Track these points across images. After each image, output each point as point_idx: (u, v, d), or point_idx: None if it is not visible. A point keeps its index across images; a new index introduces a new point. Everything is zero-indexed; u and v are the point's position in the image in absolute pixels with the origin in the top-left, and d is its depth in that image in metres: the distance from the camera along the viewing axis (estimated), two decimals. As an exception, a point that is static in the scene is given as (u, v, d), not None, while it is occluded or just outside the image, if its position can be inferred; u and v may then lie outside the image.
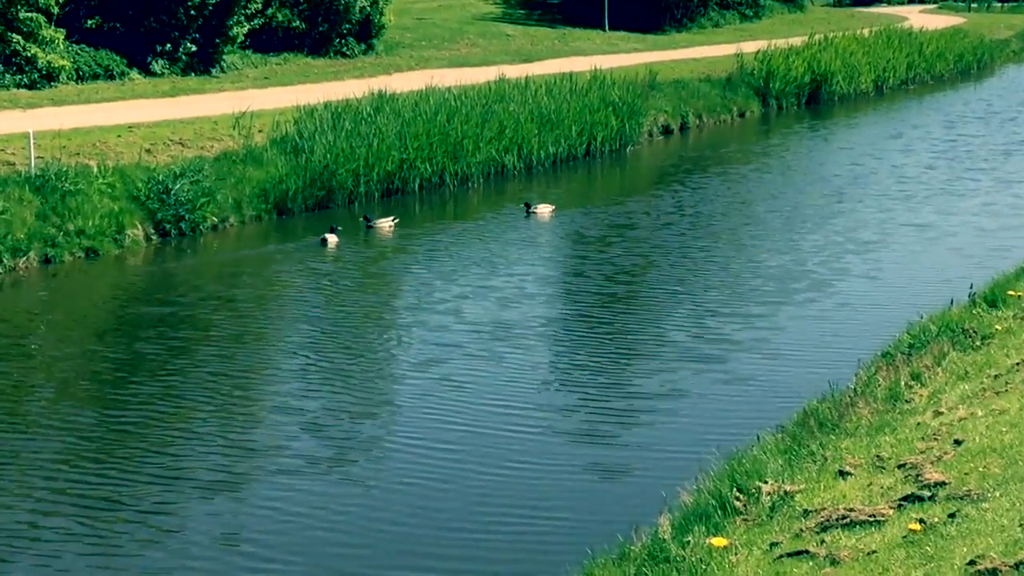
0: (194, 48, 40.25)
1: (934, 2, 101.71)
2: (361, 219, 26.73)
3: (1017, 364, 12.98)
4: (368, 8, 47.06)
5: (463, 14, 60.98)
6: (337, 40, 46.64)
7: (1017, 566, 7.50)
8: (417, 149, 30.65)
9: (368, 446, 14.60)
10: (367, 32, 47.79)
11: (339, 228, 26.01)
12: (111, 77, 37.63)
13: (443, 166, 31.19)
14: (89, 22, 38.49)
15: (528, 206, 27.23)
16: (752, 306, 20.06)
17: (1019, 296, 16.47)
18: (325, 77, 41.24)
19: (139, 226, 25.01)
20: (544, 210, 26.89)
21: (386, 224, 26.53)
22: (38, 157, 25.38)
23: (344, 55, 46.44)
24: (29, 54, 35.00)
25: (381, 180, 29.74)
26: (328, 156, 28.97)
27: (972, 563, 7.77)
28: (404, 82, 38.26)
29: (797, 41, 52.61)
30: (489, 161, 32.43)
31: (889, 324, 17.29)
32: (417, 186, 30.41)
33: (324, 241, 25.31)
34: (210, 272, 23.40)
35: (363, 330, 19.50)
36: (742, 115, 44.71)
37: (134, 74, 38.48)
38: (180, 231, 25.43)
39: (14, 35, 34.70)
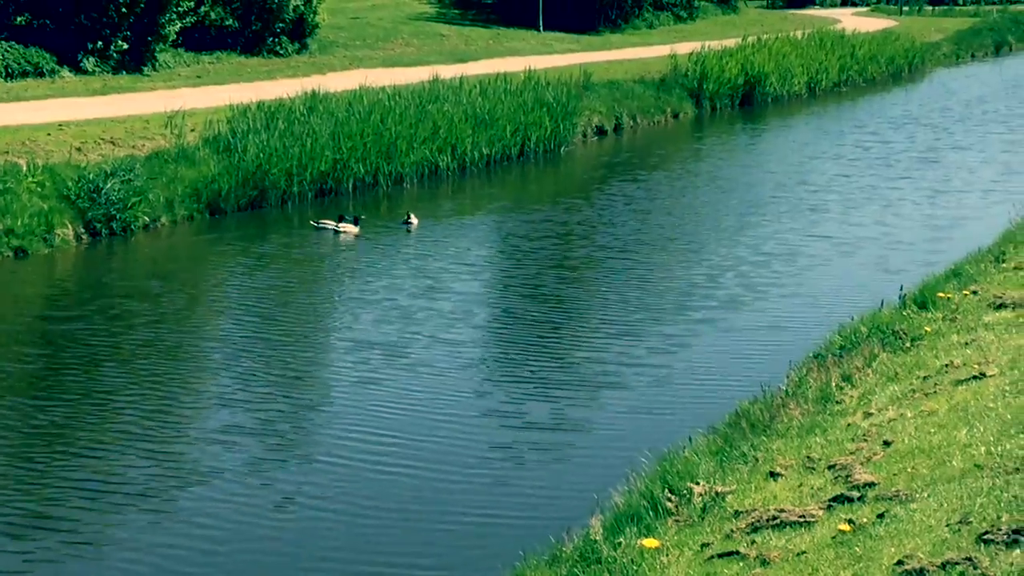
0: (126, 46, 39.87)
1: (866, 5, 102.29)
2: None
3: (946, 366, 13.09)
4: (301, 7, 46.79)
5: (397, 13, 60.83)
6: (270, 39, 46.33)
7: (944, 566, 7.58)
8: (351, 149, 30.53)
9: (293, 449, 14.52)
10: (300, 31, 47.56)
11: (360, 216, 26.51)
12: (41, 75, 37.30)
13: (377, 166, 31.07)
14: (19, 19, 38.13)
15: (341, 219, 26.46)
16: (683, 309, 20.13)
17: (949, 298, 16.61)
18: (258, 76, 41.03)
19: (69, 225, 24.81)
20: (349, 228, 26.20)
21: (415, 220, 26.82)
22: (-34, 156, 25.18)
23: (277, 54, 46.20)
24: (-43, 51, 34.74)
25: (315, 180, 29.57)
26: (261, 156, 28.78)
27: (900, 563, 7.85)
28: (338, 82, 38.10)
29: (731, 43, 52.77)
30: (423, 161, 32.32)
31: (820, 325, 17.41)
32: (351, 186, 30.29)
33: (337, 231, 25.85)
34: (140, 271, 23.25)
35: (293, 330, 19.43)
36: (676, 116, 44.81)
37: (64, 72, 38.14)
38: (111, 231, 25.22)
39: (-63, 33, 34.47)
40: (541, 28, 61.71)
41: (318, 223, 26.29)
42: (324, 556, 11.69)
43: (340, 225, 25.87)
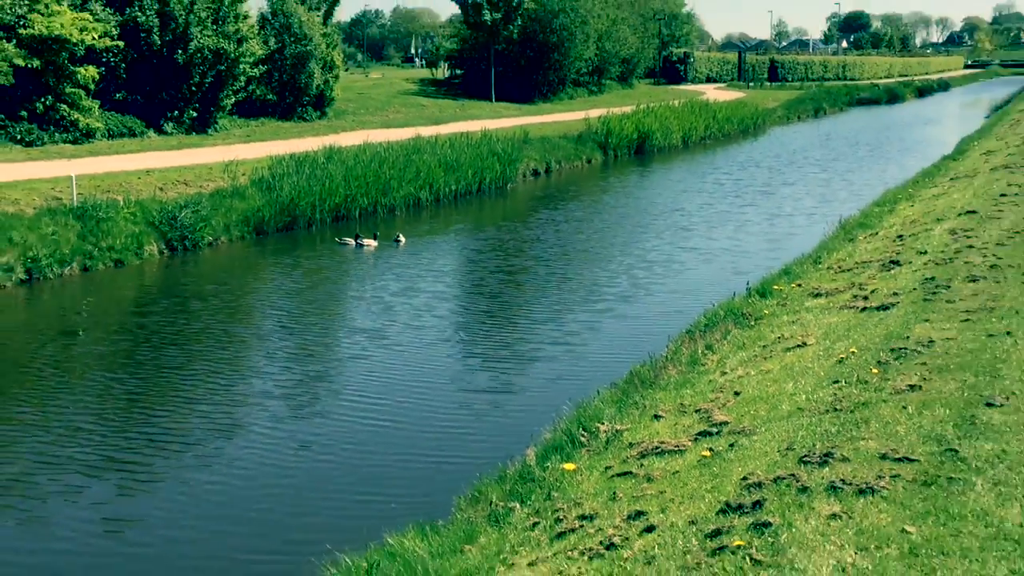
0: (195, 114, 39.83)
1: (724, 82, 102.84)
2: (348, 237, 26.64)
3: (778, 338, 13.21)
4: (322, 86, 46.88)
5: (390, 90, 60.80)
6: (299, 108, 46.31)
7: (775, 480, 7.67)
8: (357, 187, 30.57)
9: (306, 408, 14.51)
10: (321, 103, 47.55)
11: (376, 233, 26.67)
12: (134, 135, 37.12)
13: (376, 199, 31.13)
14: (118, 95, 38.00)
15: (357, 237, 26.38)
16: (592, 302, 20.21)
17: (781, 289, 16.76)
18: (291, 135, 40.89)
19: (154, 243, 24.77)
20: (371, 243, 26.18)
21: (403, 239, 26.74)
22: (79, 194, 25.05)
23: (304, 119, 46.11)
24: (73, 119, 34.56)
25: (331, 209, 29.62)
26: (293, 192, 28.81)
27: (744, 479, 7.93)
28: (348, 139, 38.12)
29: (628, 109, 53.12)
30: (409, 196, 32.40)
31: (690, 311, 17.55)
32: (358, 214, 30.29)
33: (360, 245, 25.83)
34: (204, 277, 23.22)
35: (311, 317, 19.44)
36: (589, 162, 44.98)
37: (151, 133, 37.95)
38: (184, 247, 25.19)
39: (63, 105, 34.34)
40: (493, 100, 61.84)
41: (341, 240, 26.52)
42: (330, 485, 11.70)
43: (364, 240, 25.93)
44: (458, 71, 69.31)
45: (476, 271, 23.70)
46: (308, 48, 45.58)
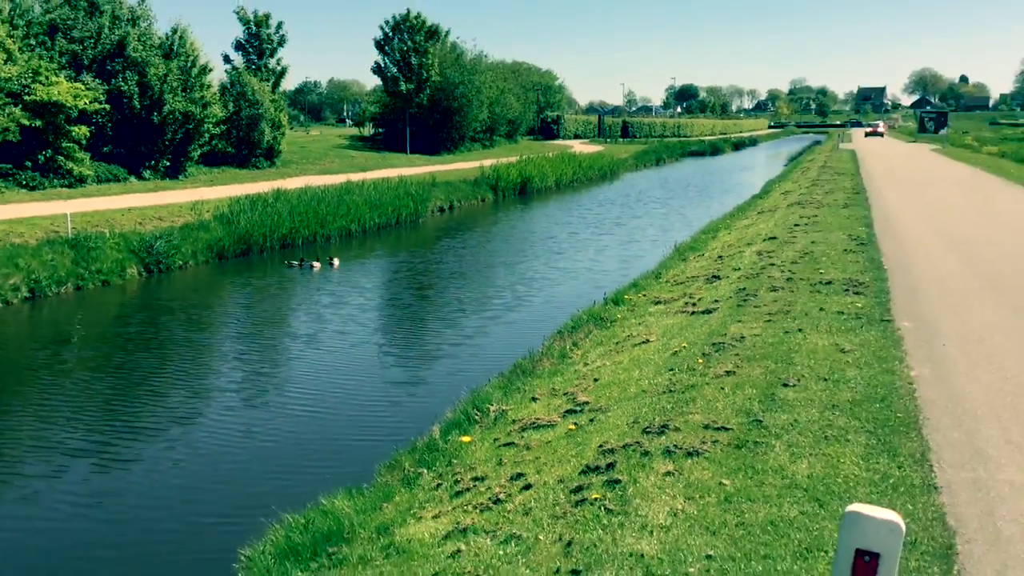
0: (168, 163, 38.93)
1: (587, 138, 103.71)
2: (296, 261, 26.12)
3: (628, 336, 13.31)
4: (271, 141, 46.16)
5: (327, 144, 60.09)
6: (253, 159, 45.49)
7: (624, 447, 7.71)
8: (300, 221, 30.06)
9: (251, 401, 14.25)
10: (271, 154, 46.77)
11: (318, 257, 26.19)
12: (118, 180, 36.08)
13: (315, 230, 30.64)
14: (105, 148, 36.99)
15: (302, 261, 25.98)
16: (483, 311, 20.12)
17: (630, 298, 16.89)
18: (246, 180, 40.10)
19: (134, 267, 24.05)
20: (336, 262, 25.98)
21: (336, 262, 26.16)
22: (73, 228, 24.29)
23: (257, 168, 45.28)
24: (68, 168, 33.63)
25: (279, 238, 29.06)
26: (248, 225, 28.20)
27: (601, 446, 7.95)
28: (293, 183, 37.54)
29: (513, 159, 53.21)
30: (342, 228, 31.93)
31: (560, 316, 17.59)
32: (300, 242, 29.80)
33: (309, 266, 25.37)
34: (175, 294, 22.59)
35: (260, 325, 19.09)
36: (483, 200, 44.91)
37: (132, 179, 36.94)
38: (159, 270, 24.52)
39: (60, 156, 33.48)
40: (408, 152, 61.55)
41: (289, 263, 26.03)
42: (275, 461, 11.48)
43: (312, 263, 25.53)
44: (380, 129, 68.88)
45: (393, 287, 23.50)
46: (260, 111, 44.85)
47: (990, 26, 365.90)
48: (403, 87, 63.13)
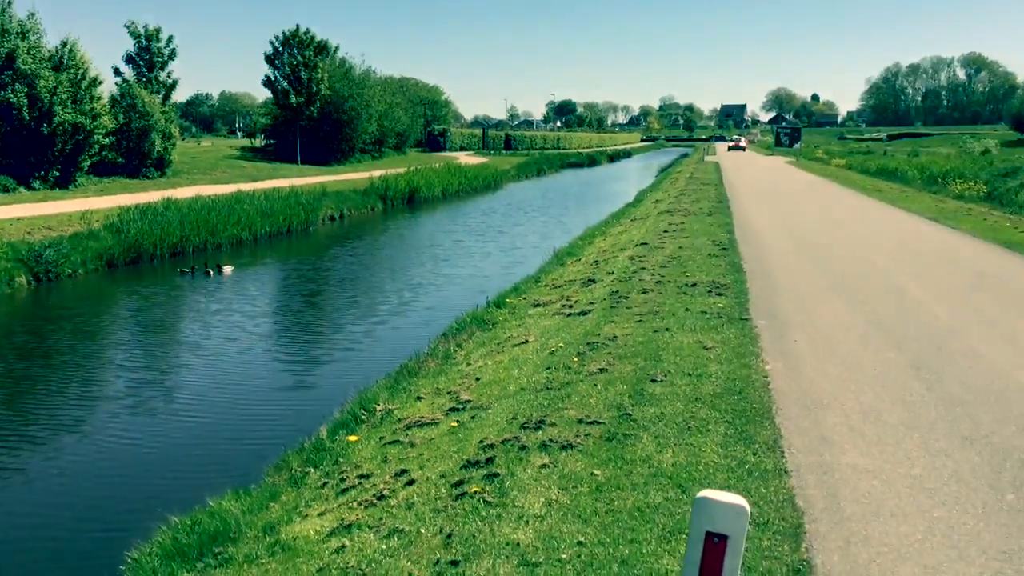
0: (58, 173, 37.32)
1: (472, 150, 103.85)
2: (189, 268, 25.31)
3: (508, 337, 13.35)
4: (162, 151, 44.74)
5: (217, 155, 58.59)
6: (144, 169, 43.98)
7: (503, 442, 7.72)
8: (191, 229, 29.21)
9: (141, 405, 13.80)
10: (162, 165, 45.30)
11: (220, 263, 25.43)
12: (7, 191, 34.49)
13: (206, 239, 29.82)
14: (-8, 159, 35.41)
15: (193, 269, 25.31)
16: (374, 316, 19.89)
17: (511, 302, 16.96)
18: (137, 190, 38.71)
19: (23, 276, 22.99)
20: (227, 269, 25.33)
21: (228, 269, 25.37)
22: (-43, 238, 23.12)
23: (148, 178, 43.81)
24: (-48, 178, 32.00)
25: (170, 247, 28.19)
26: (138, 234, 27.23)
27: (481, 442, 7.95)
28: (184, 192, 36.40)
29: (402, 170, 52.82)
30: (232, 236, 31.17)
31: (446, 319, 17.52)
32: (191, 251, 28.97)
33: (219, 270, 24.82)
34: (65, 302, 21.63)
35: (151, 330, 18.49)
36: (372, 209, 44.48)
37: (21, 189, 35.37)
38: (48, 278, 23.49)
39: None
40: (299, 163, 60.58)
41: (181, 271, 25.19)
42: (164, 464, 11.13)
43: (207, 270, 24.83)
44: (271, 141, 67.59)
45: (283, 294, 23.04)
46: (150, 122, 43.41)
47: (838, 49, 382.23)
48: (293, 100, 62.11)
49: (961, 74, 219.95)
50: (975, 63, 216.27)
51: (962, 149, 72.81)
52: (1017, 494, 6.33)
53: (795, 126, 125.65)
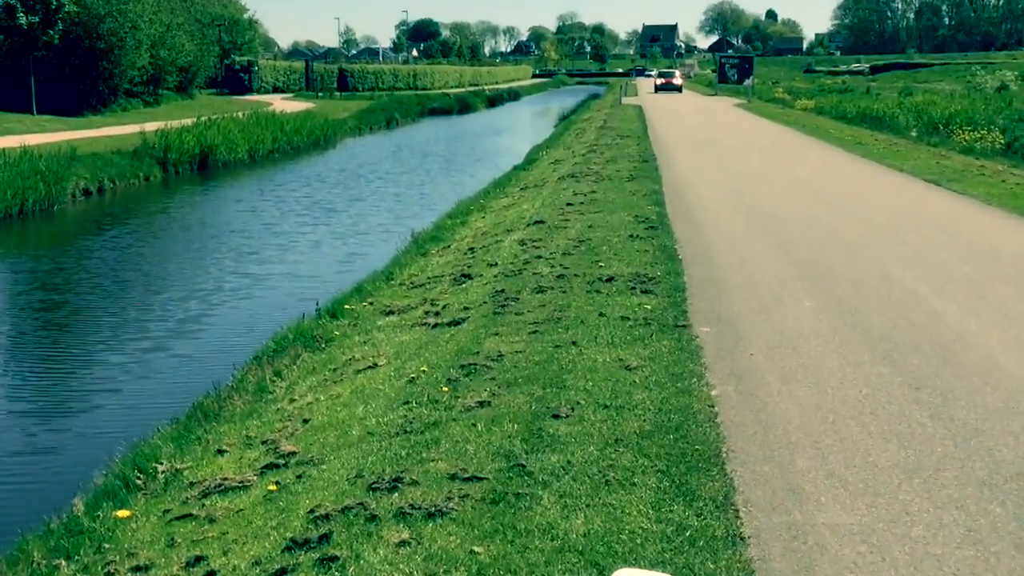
0: None
1: (292, 92, 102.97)
2: None
3: (350, 360, 13.37)
4: None
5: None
6: None
7: (343, 511, 7.73)
8: None
9: None
10: None
11: None
12: None
13: None
14: None
15: None
16: (148, 338, 19.41)
17: (352, 308, 16.95)
18: None
19: None
20: None
21: None
22: None
23: None
24: None
25: None
26: None
27: (312, 511, 7.95)
28: None
29: (189, 121, 51.89)
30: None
31: (260, 337, 17.31)
32: None
33: None
34: None
35: None
36: (147, 179, 43.62)
37: None
38: None
39: None
40: (35, 112, 58.98)
41: None
42: None
43: None
44: (-9, 80, 65.70)
45: (10, 307, 22.28)
46: None
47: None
48: (23, 20, 60.33)
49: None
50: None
51: (970, 85, 76.19)
52: (1051, 556, 6.63)
53: (745, 55, 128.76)
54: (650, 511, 7.23)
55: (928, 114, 47.54)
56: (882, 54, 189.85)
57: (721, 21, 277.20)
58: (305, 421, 10.79)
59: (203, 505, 8.92)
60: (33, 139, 44.65)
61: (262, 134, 56.41)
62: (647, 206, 22.22)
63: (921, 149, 37.47)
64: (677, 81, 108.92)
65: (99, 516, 9.32)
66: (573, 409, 9.25)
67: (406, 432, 9.26)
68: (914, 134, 43.82)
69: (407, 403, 10.17)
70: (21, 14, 60.36)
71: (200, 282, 24.11)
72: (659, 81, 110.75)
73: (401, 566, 6.67)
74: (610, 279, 14.70)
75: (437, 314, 14.56)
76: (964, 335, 11.84)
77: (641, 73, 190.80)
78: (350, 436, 9.70)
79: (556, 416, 9.09)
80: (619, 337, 11.64)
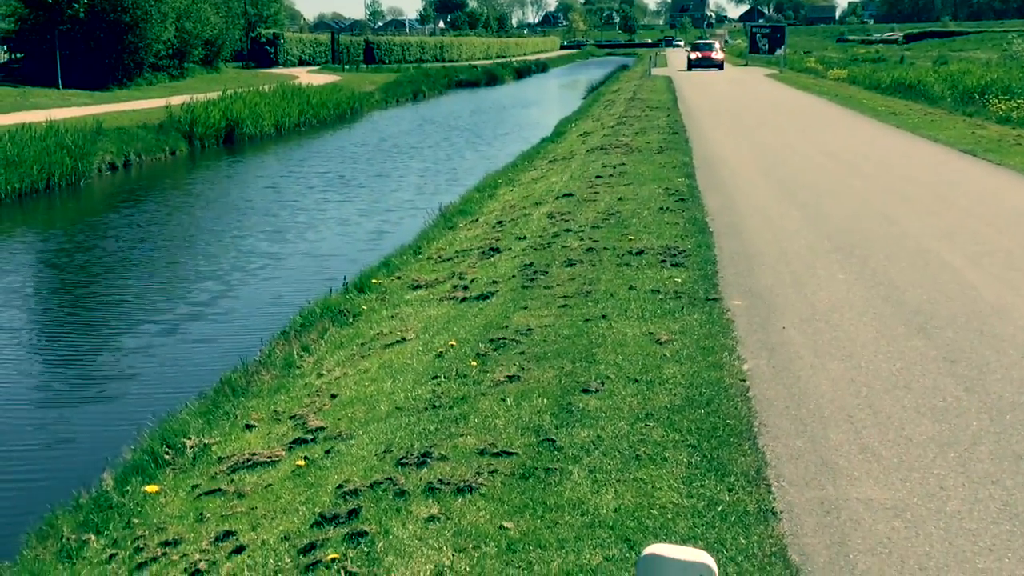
0: None
1: (318, 65, 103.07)
2: None
3: (377, 334, 13.38)
4: None
5: (-66, 76, 56.99)
6: None
7: (372, 486, 7.75)
8: None
9: None
10: None
11: None
12: None
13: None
14: None
15: None
16: (182, 310, 19.53)
17: (380, 283, 16.97)
18: None
19: None
20: None
21: None
22: None
23: None
24: None
25: None
26: None
27: (340, 487, 7.97)
28: None
29: (214, 95, 52.04)
30: (-44, 197, 30.40)
31: (288, 312, 17.38)
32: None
33: None
34: None
35: None
36: (173, 153, 43.79)
37: None
38: None
39: None
40: (61, 87, 59.20)
41: None
42: None
43: None
44: (18, 55, 65.92)
45: (43, 280, 22.49)
46: None
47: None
48: (49, -7, 60.63)
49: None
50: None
51: (1007, 53, 75.44)
52: (1088, 531, 6.59)
53: (777, 24, 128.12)
54: (681, 486, 7.22)
55: (963, 83, 47.16)
56: (916, 22, 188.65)
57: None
58: (333, 396, 10.81)
59: (231, 480, 8.97)
60: (59, 113, 44.98)
61: (288, 107, 56.50)
62: (677, 178, 22.14)
63: (956, 119, 37.21)
64: (717, 56, 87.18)
65: (128, 491, 9.39)
66: (603, 383, 9.25)
67: (434, 407, 9.27)
68: (949, 103, 43.52)
69: (435, 378, 10.18)
70: (46, -12, 60.63)
71: (231, 256, 24.17)
72: (693, 55, 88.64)
73: (430, 541, 6.68)
74: (640, 252, 14.67)
75: (465, 288, 14.56)
76: (1000, 308, 11.76)
77: (670, 43, 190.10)
78: (378, 411, 9.72)
79: (586, 391, 9.08)
80: (649, 311, 11.61)
